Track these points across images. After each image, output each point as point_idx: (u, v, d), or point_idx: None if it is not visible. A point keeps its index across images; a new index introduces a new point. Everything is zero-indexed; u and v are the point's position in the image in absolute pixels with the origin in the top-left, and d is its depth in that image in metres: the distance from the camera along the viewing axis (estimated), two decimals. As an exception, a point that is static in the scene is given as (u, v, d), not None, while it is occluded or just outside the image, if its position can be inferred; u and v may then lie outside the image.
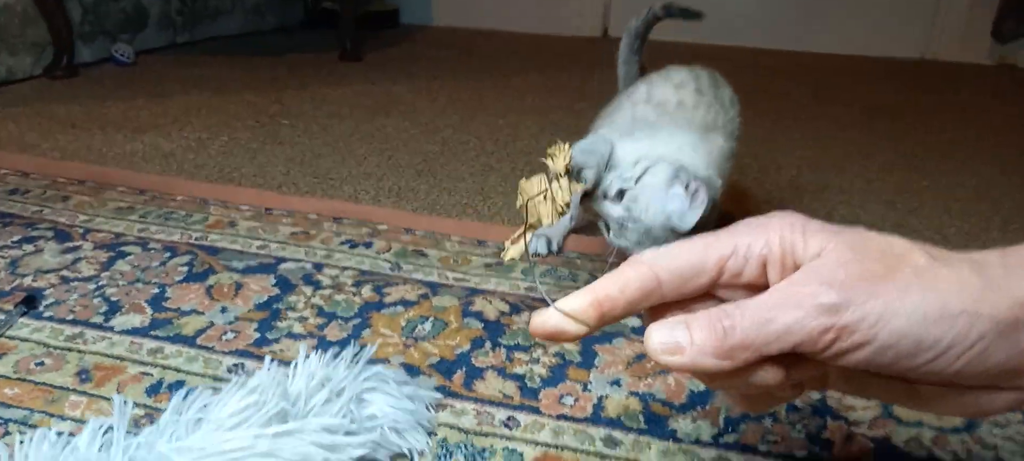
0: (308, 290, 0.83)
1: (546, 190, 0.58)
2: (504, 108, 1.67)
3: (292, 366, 0.57)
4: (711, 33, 2.54)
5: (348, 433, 0.55)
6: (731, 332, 0.38)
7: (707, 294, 0.41)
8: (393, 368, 0.68)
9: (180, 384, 0.66)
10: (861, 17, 2.36)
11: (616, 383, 0.68)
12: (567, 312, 0.39)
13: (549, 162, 0.62)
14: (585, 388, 0.68)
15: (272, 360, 0.58)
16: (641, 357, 0.72)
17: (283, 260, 0.89)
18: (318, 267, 0.88)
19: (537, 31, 2.71)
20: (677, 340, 0.38)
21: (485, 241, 0.96)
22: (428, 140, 1.42)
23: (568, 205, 0.60)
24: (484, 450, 0.59)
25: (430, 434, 0.61)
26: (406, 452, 0.58)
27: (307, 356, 0.58)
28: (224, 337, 0.73)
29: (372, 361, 0.69)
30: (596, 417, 0.64)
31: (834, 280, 0.36)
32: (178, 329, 0.74)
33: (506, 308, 0.81)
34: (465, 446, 0.60)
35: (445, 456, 0.59)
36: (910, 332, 0.36)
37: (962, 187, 1.26)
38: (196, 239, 0.94)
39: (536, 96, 1.80)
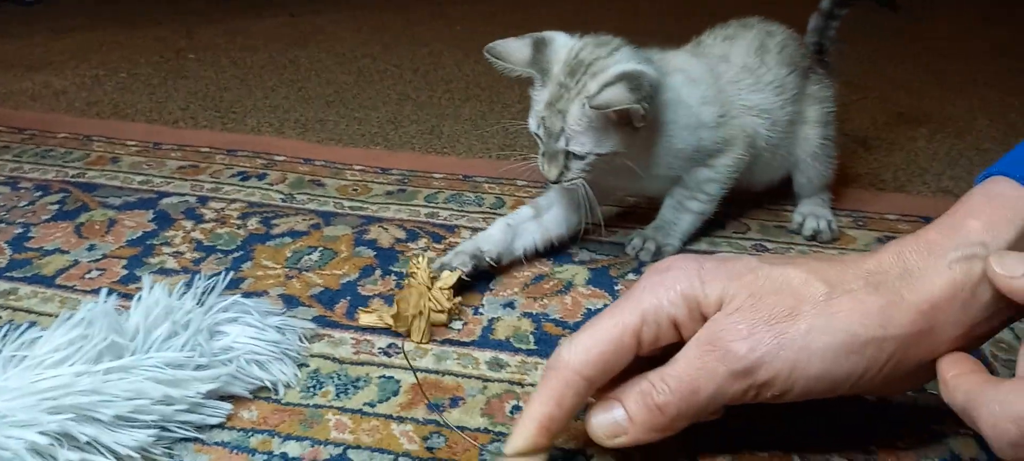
0: (188, 224, 0.77)
1: (422, 310, 0.59)
2: (431, 37, 1.60)
3: (134, 299, 0.52)
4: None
5: (199, 367, 0.50)
6: (665, 408, 0.40)
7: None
8: (271, 300, 0.64)
9: (32, 327, 0.60)
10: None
11: (510, 305, 0.64)
12: (522, 454, 0.41)
13: (413, 281, 0.61)
14: (475, 311, 0.64)
15: (109, 292, 0.52)
16: (540, 278, 0.68)
17: (165, 195, 0.83)
18: (203, 201, 0.82)
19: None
20: (617, 422, 0.41)
21: (389, 169, 0.91)
22: (344, 70, 1.35)
23: (453, 309, 0.61)
24: (358, 379, 0.55)
25: (301, 366, 0.56)
26: (269, 384, 0.53)
27: (151, 288, 0.52)
28: (87, 276, 0.67)
29: (248, 294, 0.64)
30: (484, 340, 0.60)
31: (738, 335, 0.38)
32: (38, 269, 0.68)
33: (403, 235, 0.76)
34: (338, 376, 0.55)
35: (315, 387, 0.54)
36: (825, 374, 0.38)
37: (894, 102, 1.23)
38: (72, 177, 0.87)
39: (467, 25, 1.72)
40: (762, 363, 0.38)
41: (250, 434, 0.50)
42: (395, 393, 0.54)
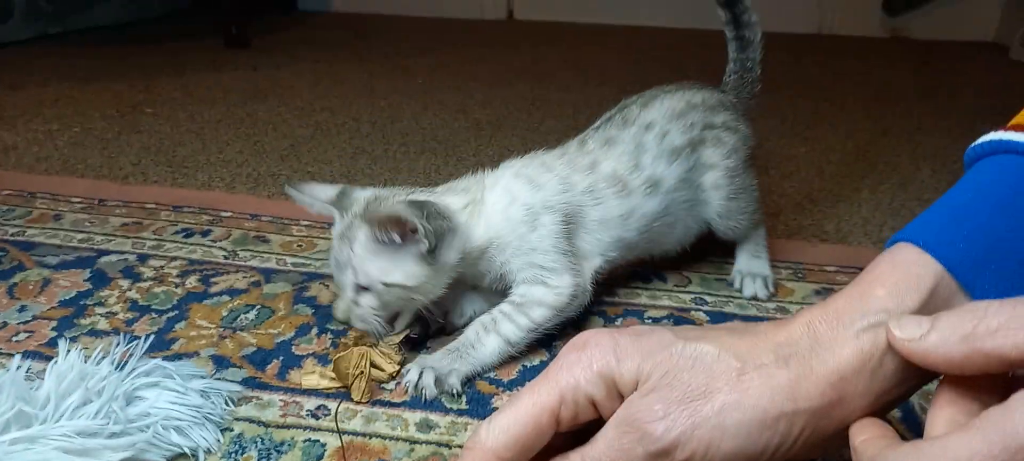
0: (125, 283, 0.76)
1: (362, 371, 0.59)
2: (389, 90, 1.61)
3: (49, 365, 0.51)
4: (604, 10, 2.53)
5: (112, 435, 0.49)
6: None
7: None
8: (201, 361, 0.63)
9: (-50, 393, 0.58)
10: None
11: (445, 363, 0.64)
12: None
13: (350, 339, 0.63)
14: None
15: (23, 358, 0.51)
16: (477, 335, 0.68)
17: (105, 253, 0.82)
18: (143, 259, 0.81)
19: (441, 15, 2.65)
20: None
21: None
22: (301, 124, 1.35)
23: (397, 370, 0.61)
24: (283, 443, 0.54)
25: (225, 430, 0.55)
26: (188, 451, 0.52)
27: (66, 353, 0.51)
28: (14, 338, 0.66)
29: (178, 355, 0.63)
30: (416, 400, 0.59)
31: (655, 416, 0.38)
32: (-36, 333, 0.67)
33: (343, 291, 0.75)
34: (262, 440, 0.54)
35: (237, 452, 0.53)
36: (739, 450, 0.38)
37: (837, 150, 1.26)
38: (11, 235, 0.85)
39: (429, 78, 1.74)
40: (678, 443, 0.38)
41: (165, 504, 0.48)
42: (319, 457, 0.53)
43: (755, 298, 0.76)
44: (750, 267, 0.78)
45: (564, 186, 0.67)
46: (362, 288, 0.62)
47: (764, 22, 0.82)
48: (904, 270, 0.41)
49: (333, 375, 0.60)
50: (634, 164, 0.69)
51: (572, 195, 0.66)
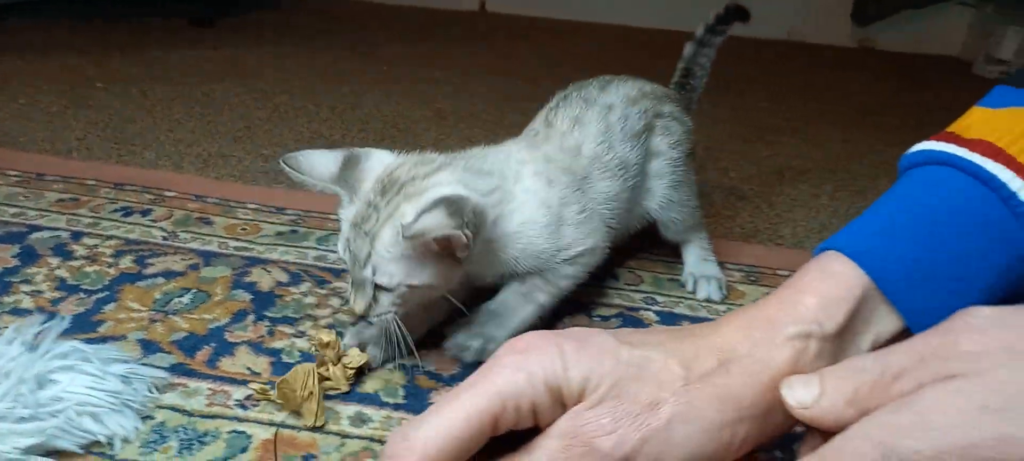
0: (55, 261, 0.72)
1: (312, 391, 0.54)
2: (356, 76, 1.58)
3: (-46, 343, 0.48)
4: (578, 6, 2.52)
5: (21, 420, 0.46)
6: None
7: None
8: (128, 345, 0.60)
9: None
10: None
11: (384, 355, 0.62)
12: None
13: (318, 350, 0.58)
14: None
15: (-76, 336, 0.48)
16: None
17: (37, 229, 0.78)
18: (76, 236, 0.77)
19: (414, 4, 2.61)
20: None
21: (285, 208, 0.88)
22: (259, 106, 1.32)
23: (348, 390, 0.57)
24: (206, 434, 0.52)
25: (146, 418, 0.52)
26: (103, 439, 0.49)
27: (-26, 331, 0.48)
28: (-71, 315, 0.62)
29: (105, 339, 0.61)
30: (351, 393, 0.57)
31: (603, 430, 0.37)
32: None
33: (285, 278, 0.73)
34: (184, 430, 0.52)
35: (156, 442, 0.51)
36: (687, 459, 0.38)
37: (798, 156, 1.26)
38: (-62, 207, 0.82)
39: (394, 66, 1.71)
40: (627, 458, 0.37)
41: (72, 494, 0.46)
42: (243, 450, 0.51)
43: (709, 300, 0.75)
44: (702, 270, 0.77)
45: (573, 176, 0.64)
46: (382, 287, 0.56)
47: (735, 26, 0.82)
48: (834, 282, 0.40)
49: (278, 400, 0.55)
50: (607, 146, 0.68)
51: (575, 180, 0.64)
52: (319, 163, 0.59)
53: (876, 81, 1.97)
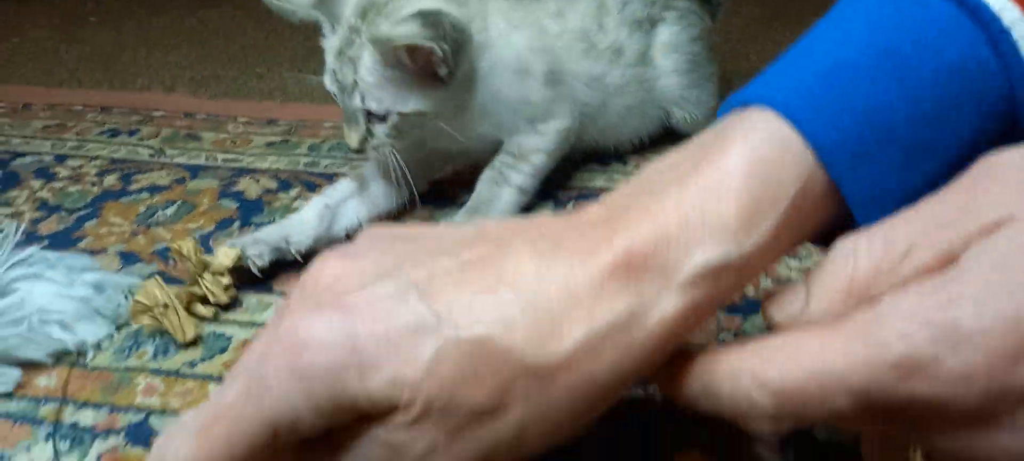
0: (37, 183, 0.70)
1: (167, 304, 0.47)
2: (356, -6, 1.52)
3: (-93, 254, 0.45)
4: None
5: (-19, 329, 0.43)
6: None
7: None
8: (107, 258, 0.57)
9: None
10: None
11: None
12: None
13: (180, 261, 0.51)
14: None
15: None
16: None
17: (21, 155, 0.76)
18: (61, 159, 0.74)
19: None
20: None
21: (276, 120, 0.84)
22: (255, 29, 1.27)
23: (228, 301, 0.50)
24: (184, 338, 0.49)
25: (121, 326, 0.50)
26: (73, 347, 0.46)
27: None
28: (-96, 241, 0.60)
29: (82, 252, 0.58)
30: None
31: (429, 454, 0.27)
32: None
33: (274, 185, 0.69)
34: (160, 335, 0.49)
35: (131, 348, 0.48)
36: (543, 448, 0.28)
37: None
38: (-78, 140, 0.79)
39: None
40: None
41: (41, 403, 0.43)
42: (222, 350, 0.48)
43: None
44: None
45: (539, 29, 0.61)
46: (374, 116, 0.54)
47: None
48: (763, 168, 0.27)
49: (140, 323, 0.48)
50: (598, 25, 0.63)
51: (546, 40, 0.61)
52: None
53: None
